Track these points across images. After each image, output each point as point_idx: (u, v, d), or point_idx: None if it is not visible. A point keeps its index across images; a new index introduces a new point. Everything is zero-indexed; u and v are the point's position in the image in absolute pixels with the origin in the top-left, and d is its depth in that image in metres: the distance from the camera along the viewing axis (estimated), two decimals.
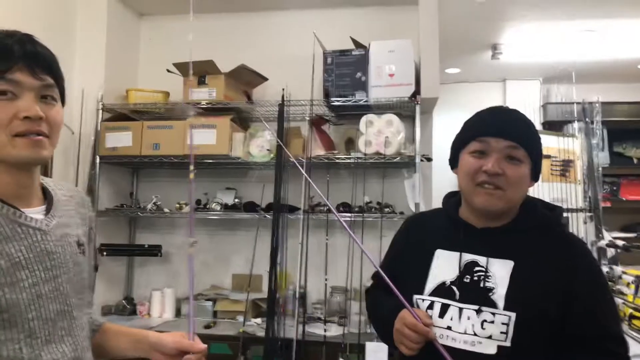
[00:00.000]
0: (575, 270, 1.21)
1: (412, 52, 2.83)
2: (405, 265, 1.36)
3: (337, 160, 2.88)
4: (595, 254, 3.59)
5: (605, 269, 2.96)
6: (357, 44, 2.92)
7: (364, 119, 2.81)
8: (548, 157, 4.04)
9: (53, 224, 1.01)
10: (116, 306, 3.11)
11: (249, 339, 2.64)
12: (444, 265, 1.28)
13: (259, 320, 2.87)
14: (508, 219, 1.28)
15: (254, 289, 2.94)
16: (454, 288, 1.24)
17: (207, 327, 2.82)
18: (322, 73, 2.91)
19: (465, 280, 1.24)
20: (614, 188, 5.05)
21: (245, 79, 3.07)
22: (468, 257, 1.26)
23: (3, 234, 0.92)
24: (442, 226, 1.36)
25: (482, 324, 1.18)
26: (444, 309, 1.23)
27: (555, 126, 4.75)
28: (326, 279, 2.74)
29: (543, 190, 3.68)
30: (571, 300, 1.17)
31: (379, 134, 2.77)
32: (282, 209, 2.82)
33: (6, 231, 0.92)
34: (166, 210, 3.10)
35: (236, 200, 3.12)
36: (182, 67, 2.92)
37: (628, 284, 2.68)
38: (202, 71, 2.92)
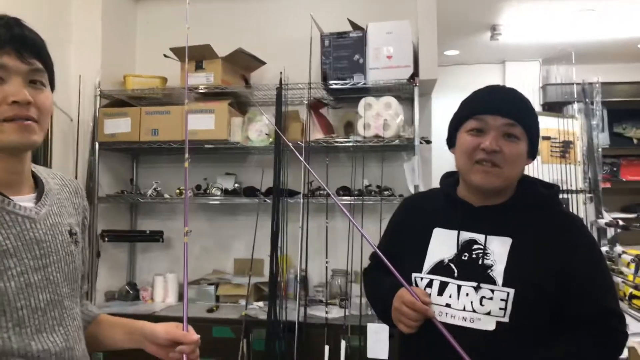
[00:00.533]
0: (573, 247, 1.22)
1: (410, 33, 2.81)
2: (402, 244, 1.37)
3: (336, 144, 2.87)
4: (595, 234, 3.61)
5: (604, 248, 2.97)
6: (355, 26, 2.89)
7: (362, 102, 2.80)
8: (548, 138, 4.03)
9: (43, 212, 0.99)
10: (119, 292, 3.13)
11: (251, 322, 2.66)
12: (442, 244, 1.28)
13: (261, 303, 2.89)
14: (506, 197, 1.29)
15: (255, 272, 2.96)
16: (452, 265, 1.25)
17: (210, 310, 2.83)
18: (319, 56, 2.89)
19: (463, 257, 1.25)
20: (614, 169, 5.05)
21: (243, 63, 3.05)
22: (466, 235, 1.26)
23: None
24: (440, 205, 1.36)
25: (480, 301, 1.19)
26: (443, 286, 1.24)
27: (555, 107, 4.73)
28: (327, 262, 2.75)
29: (543, 171, 3.68)
30: (569, 278, 1.18)
31: (377, 117, 2.76)
32: (282, 194, 2.82)
33: None
34: (166, 196, 3.11)
35: (236, 185, 3.12)
36: (179, 52, 2.91)
37: (628, 264, 2.69)
38: (199, 56, 2.90)
